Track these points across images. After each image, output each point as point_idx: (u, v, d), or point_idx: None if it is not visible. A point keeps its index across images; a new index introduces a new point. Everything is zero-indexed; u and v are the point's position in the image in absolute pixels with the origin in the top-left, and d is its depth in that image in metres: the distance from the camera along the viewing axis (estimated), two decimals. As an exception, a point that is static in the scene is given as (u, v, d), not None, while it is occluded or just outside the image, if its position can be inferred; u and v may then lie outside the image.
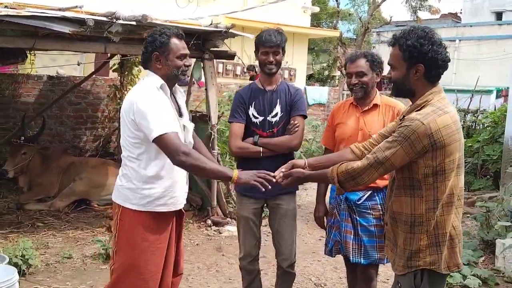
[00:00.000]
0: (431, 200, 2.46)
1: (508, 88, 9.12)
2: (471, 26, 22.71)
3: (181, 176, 2.99)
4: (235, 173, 2.87)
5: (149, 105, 2.77)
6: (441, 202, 2.46)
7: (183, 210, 3.13)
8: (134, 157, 2.88)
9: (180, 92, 3.18)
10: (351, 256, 3.39)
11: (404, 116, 2.56)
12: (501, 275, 5.14)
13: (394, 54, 2.53)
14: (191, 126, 3.12)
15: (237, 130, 3.62)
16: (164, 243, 2.96)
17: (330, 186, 3.60)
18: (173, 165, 2.81)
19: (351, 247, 3.39)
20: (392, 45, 2.54)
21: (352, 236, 3.39)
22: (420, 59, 2.43)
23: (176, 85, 3.10)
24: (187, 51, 2.97)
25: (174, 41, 2.90)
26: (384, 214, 3.28)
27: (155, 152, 2.84)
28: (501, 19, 24.89)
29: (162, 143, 2.74)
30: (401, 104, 3.46)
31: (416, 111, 2.47)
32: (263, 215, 3.85)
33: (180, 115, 3.04)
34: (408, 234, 2.52)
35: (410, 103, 2.60)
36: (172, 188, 2.92)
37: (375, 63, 3.40)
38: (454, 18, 30.15)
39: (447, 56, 2.48)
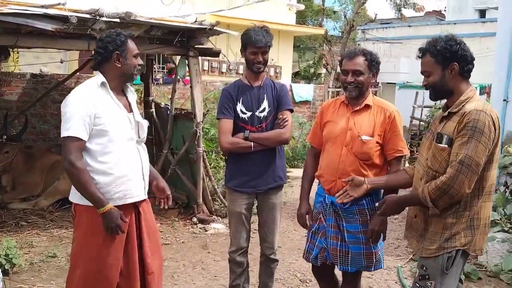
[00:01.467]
0: (476, 188, 2.62)
1: (491, 85, 9.21)
2: (455, 23, 22.85)
3: (128, 170, 3.02)
4: (109, 206, 2.90)
5: (69, 105, 2.91)
6: (483, 191, 2.65)
7: (140, 208, 3.12)
8: None
9: (131, 91, 3.24)
10: (338, 264, 3.31)
11: (449, 112, 2.70)
12: (484, 269, 5.20)
13: (426, 62, 2.74)
14: (144, 122, 3.21)
15: (226, 126, 3.66)
16: (119, 236, 2.98)
17: (316, 187, 3.53)
18: (116, 159, 2.95)
19: (338, 254, 3.29)
20: (422, 55, 2.75)
21: (338, 243, 3.29)
22: (453, 58, 2.66)
23: (128, 84, 3.21)
24: (138, 51, 3.12)
25: (130, 41, 3.05)
26: (371, 218, 3.29)
27: (92, 148, 2.94)
28: (484, 17, 25.09)
29: (63, 144, 2.89)
30: (393, 106, 3.37)
31: (462, 106, 2.64)
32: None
33: (131, 111, 3.13)
34: (450, 219, 2.66)
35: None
36: (116, 183, 2.96)
37: (373, 62, 3.26)
38: (438, 15, 30.33)
39: (472, 53, 2.71)
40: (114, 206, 2.95)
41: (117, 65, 3.01)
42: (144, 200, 3.17)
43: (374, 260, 3.31)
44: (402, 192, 3.12)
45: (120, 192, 2.98)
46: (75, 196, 3.01)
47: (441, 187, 2.57)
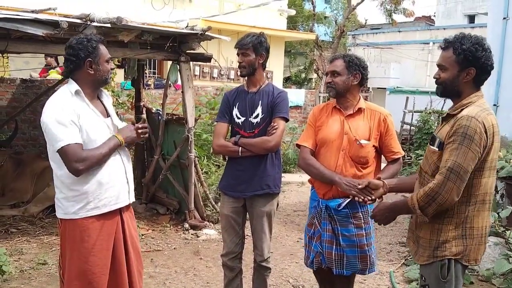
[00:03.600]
0: (464, 196, 2.55)
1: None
2: (444, 28, 23.06)
3: (111, 176, 2.97)
4: (119, 137, 2.98)
5: (51, 117, 2.80)
6: (474, 198, 2.58)
7: (124, 214, 3.08)
8: (57, 165, 2.92)
9: (106, 95, 3.18)
10: (334, 268, 3.32)
11: (448, 114, 2.66)
12: (476, 273, 5.21)
13: (447, 57, 2.64)
14: (121, 125, 3.16)
15: (220, 129, 3.76)
16: (106, 244, 2.96)
17: (310, 192, 3.55)
18: (98, 167, 2.90)
19: (333, 258, 3.31)
20: (445, 48, 2.65)
21: (334, 247, 3.31)
22: (474, 63, 2.57)
23: (101, 88, 3.14)
24: (109, 55, 3.05)
25: (101, 46, 2.98)
26: (366, 222, 3.31)
27: None
28: (473, 22, 25.32)
29: (62, 154, 2.81)
30: (385, 110, 3.41)
31: (461, 109, 2.58)
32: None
33: (107, 115, 3.08)
34: (437, 225, 2.62)
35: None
36: (100, 190, 2.92)
37: (351, 63, 3.31)
38: (428, 21, 30.55)
39: (493, 63, 2.62)
40: (100, 214, 2.93)
41: (90, 72, 2.93)
42: (129, 206, 3.15)
43: (369, 264, 3.35)
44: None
45: (105, 199, 2.94)
46: (59, 210, 2.98)
47: (429, 194, 2.52)
